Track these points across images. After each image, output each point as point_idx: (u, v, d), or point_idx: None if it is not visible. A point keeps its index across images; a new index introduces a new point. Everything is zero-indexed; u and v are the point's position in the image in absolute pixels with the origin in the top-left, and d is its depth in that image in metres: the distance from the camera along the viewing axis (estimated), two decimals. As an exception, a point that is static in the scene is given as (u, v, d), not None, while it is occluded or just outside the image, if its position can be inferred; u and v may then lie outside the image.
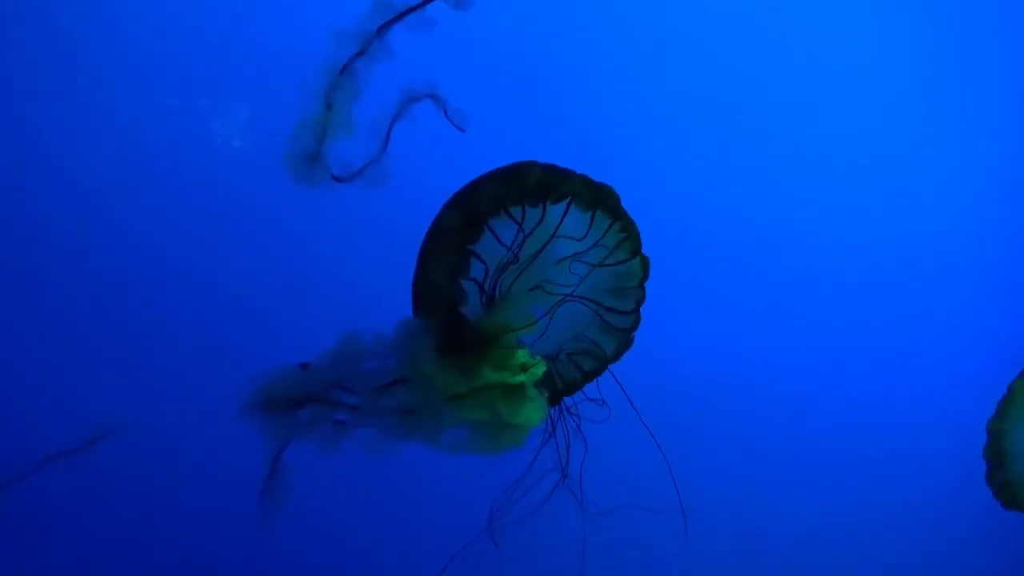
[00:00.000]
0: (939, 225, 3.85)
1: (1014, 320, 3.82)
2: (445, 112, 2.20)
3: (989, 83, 3.87)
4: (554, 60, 3.50)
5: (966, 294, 3.87)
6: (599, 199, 2.17)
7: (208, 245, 3.14)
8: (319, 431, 2.07)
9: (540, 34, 3.49)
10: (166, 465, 3.06)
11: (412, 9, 2.10)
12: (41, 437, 2.52)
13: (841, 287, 3.83)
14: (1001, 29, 3.88)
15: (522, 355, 2.13)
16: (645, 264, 2.26)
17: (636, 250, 2.24)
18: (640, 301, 2.29)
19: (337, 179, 2.17)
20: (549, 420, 2.32)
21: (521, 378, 2.10)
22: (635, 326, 2.32)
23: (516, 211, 2.14)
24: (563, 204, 2.17)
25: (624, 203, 2.22)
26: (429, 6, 2.10)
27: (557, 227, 2.19)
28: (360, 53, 2.10)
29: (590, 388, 2.39)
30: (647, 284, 2.29)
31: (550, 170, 2.13)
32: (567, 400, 2.37)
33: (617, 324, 2.31)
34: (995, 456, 2.65)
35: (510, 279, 2.19)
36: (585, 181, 2.16)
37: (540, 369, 2.13)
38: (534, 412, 2.13)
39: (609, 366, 2.35)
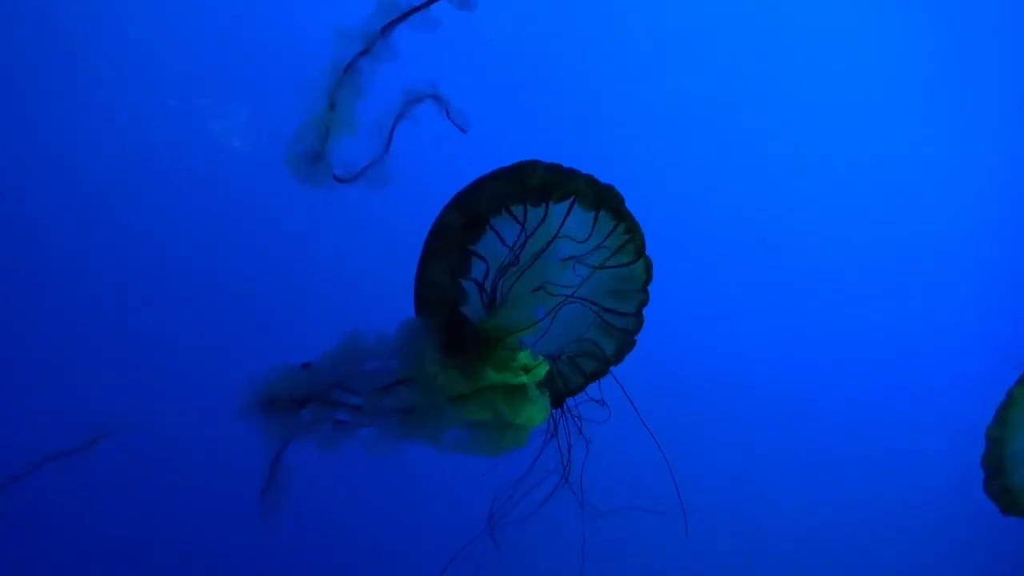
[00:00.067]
0: (939, 225, 3.85)
1: (1014, 320, 3.82)
2: (447, 113, 2.19)
3: (989, 83, 3.87)
4: (556, 61, 3.50)
5: (966, 294, 3.87)
6: (603, 199, 2.17)
7: (208, 245, 3.14)
8: (320, 431, 2.06)
9: (542, 35, 3.49)
10: (166, 465, 3.06)
11: (416, 9, 2.10)
12: (41, 437, 2.51)
13: (841, 287, 3.83)
14: (1001, 29, 3.88)
15: (524, 356, 2.13)
16: (648, 267, 2.26)
17: (640, 252, 2.24)
18: (643, 304, 2.29)
19: (339, 179, 2.17)
20: (551, 420, 2.32)
21: (523, 379, 2.10)
22: (637, 328, 2.31)
23: (518, 210, 2.14)
24: (566, 204, 2.17)
25: (625, 203, 2.22)
26: (433, 6, 2.09)
27: (560, 227, 2.19)
28: (364, 52, 2.10)
29: (591, 388, 2.39)
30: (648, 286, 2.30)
31: (553, 169, 2.13)
32: (568, 401, 2.37)
33: (618, 325, 2.31)
34: (995, 462, 2.62)
35: (512, 280, 2.19)
36: (589, 181, 2.16)
37: (542, 370, 2.13)
38: (536, 412, 2.13)
39: (610, 367, 2.34)
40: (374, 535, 3.36)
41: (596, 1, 3.56)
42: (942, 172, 3.87)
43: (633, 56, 3.59)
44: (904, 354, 3.84)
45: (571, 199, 2.17)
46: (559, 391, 2.33)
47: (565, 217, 2.19)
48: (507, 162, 2.13)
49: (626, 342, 2.32)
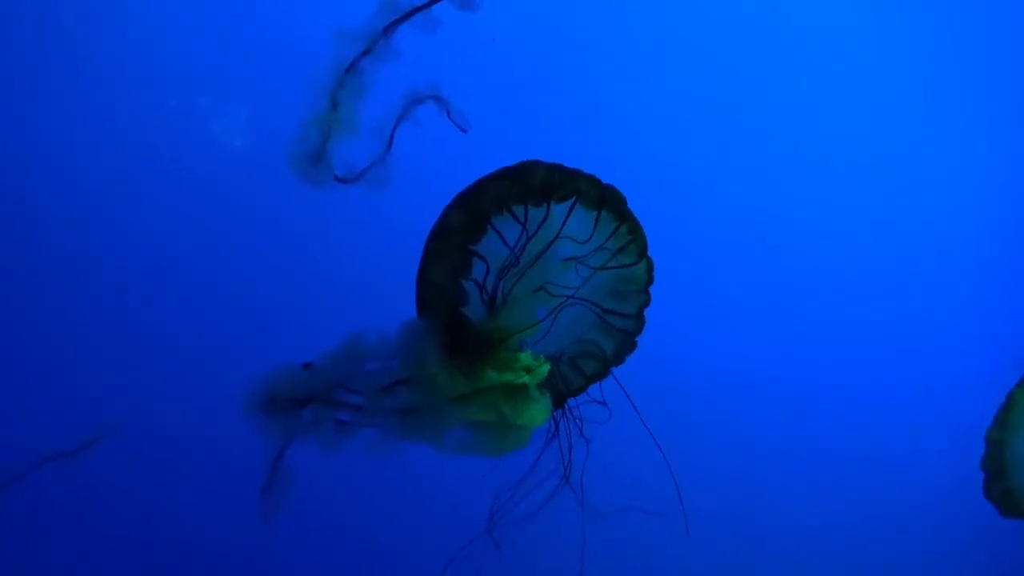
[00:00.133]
0: (939, 225, 3.85)
1: (1014, 320, 3.82)
2: (448, 113, 2.19)
3: (989, 83, 3.87)
4: (557, 61, 3.50)
5: (966, 294, 3.86)
6: (605, 199, 2.17)
7: (209, 245, 3.14)
8: (321, 431, 2.06)
9: (543, 35, 3.49)
10: (166, 465, 3.06)
11: (418, 9, 2.09)
12: (41, 437, 2.51)
13: (841, 287, 3.83)
14: (1001, 29, 3.88)
15: (525, 357, 2.13)
16: (650, 268, 2.25)
17: (642, 253, 2.23)
18: (644, 305, 2.29)
19: (340, 180, 2.17)
20: (551, 421, 2.31)
21: (525, 379, 2.10)
22: (638, 330, 2.31)
23: (519, 211, 2.13)
24: (568, 204, 2.17)
25: (627, 204, 2.22)
26: (435, 6, 2.09)
27: (561, 228, 2.19)
28: (366, 52, 2.10)
29: (591, 389, 2.39)
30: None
31: (556, 169, 2.12)
32: (569, 401, 2.37)
33: (619, 326, 2.30)
34: (995, 465, 2.60)
35: (513, 280, 2.19)
36: (591, 181, 2.15)
37: (543, 370, 2.13)
38: (537, 413, 2.13)
39: (611, 369, 2.34)
40: (374, 535, 3.36)
41: (597, 2, 3.56)
42: (942, 172, 3.87)
43: (634, 56, 3.59)
44: (904, 354, 3.84)
45: (573, 199, 2.16)
46: (560, 392, 2.32)
47: (567, 217, 2.18)
48: (508, 163, 2.13)
49: (627, 343, 2.32)
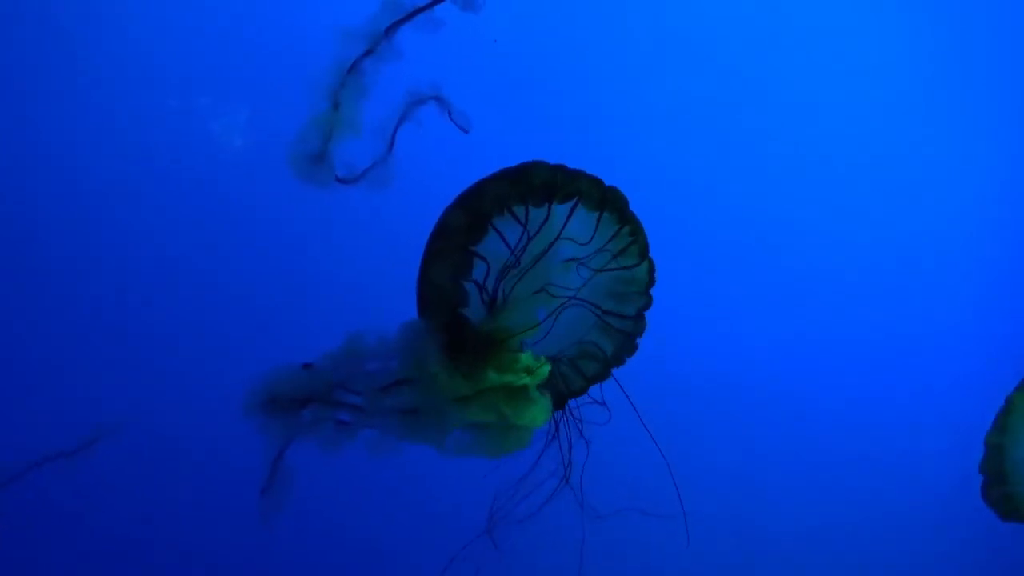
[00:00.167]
0: (939, 225, 3.86)
1: (1014, 320, 3.83)
2: (449, 114, 2.19)
3: (989, 83, 3.88)
4: (558, 62, 3.50)
5: (966, 294, 3.87)
6: (607, 200, 2.16)
7: (209, 245, 3.14)
8: (321, 431, 2.06)
9: (545, 36, 3.49)
10: (166, 465, 3.07)
11: (420, 10, 2.09)
12: (41, 437, 2.51)
13: (841, 287, 3.83)
14: (1001, 29, 3.88)
15: (526, 357, 2.12)
16: (651, 270, 2.25)
17: (644, 255, 2.23)
18: (644, 306, 2.28)
19: (341, 180, 2.17)
20: (552, 422, 2.31)
21: (525, 380, 2.09)
22: (638, 331, 2.31)
23: (520, 211, 2.13)
24: (569, 205, 2.17)
25: (629, 205, 2.22)
26: (437, 7, 2.09)
27: (562, 228, 2.19)
28: (368, 52, 2.09)
29: (592, 390, 2.38)
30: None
31: (557, 170, 2.12)
32: (570, 402, 2.37)
33: (618, 327, 2.30)
34: (994, 469, 2.58)
35: (514, 281, 2.18)
36: (593, 182, 2.15)
37: (544, 371, 2.13)
38: (538, 413, 2.12)
39: (612, 370, 2.34)
40: (374, 535, 3.36)
41: (598, 2, 3.56)
42: (942, 172, 3.87)
43: (635, 57, 3.60)
44: (904, 354, 3.84)
45: (575, 200, 2.16)
46: (560, 393, 2.32)
47: (568, 218, 2.18)
48: (510, 163, 2.13)
49: (627, 344, 2.31)
